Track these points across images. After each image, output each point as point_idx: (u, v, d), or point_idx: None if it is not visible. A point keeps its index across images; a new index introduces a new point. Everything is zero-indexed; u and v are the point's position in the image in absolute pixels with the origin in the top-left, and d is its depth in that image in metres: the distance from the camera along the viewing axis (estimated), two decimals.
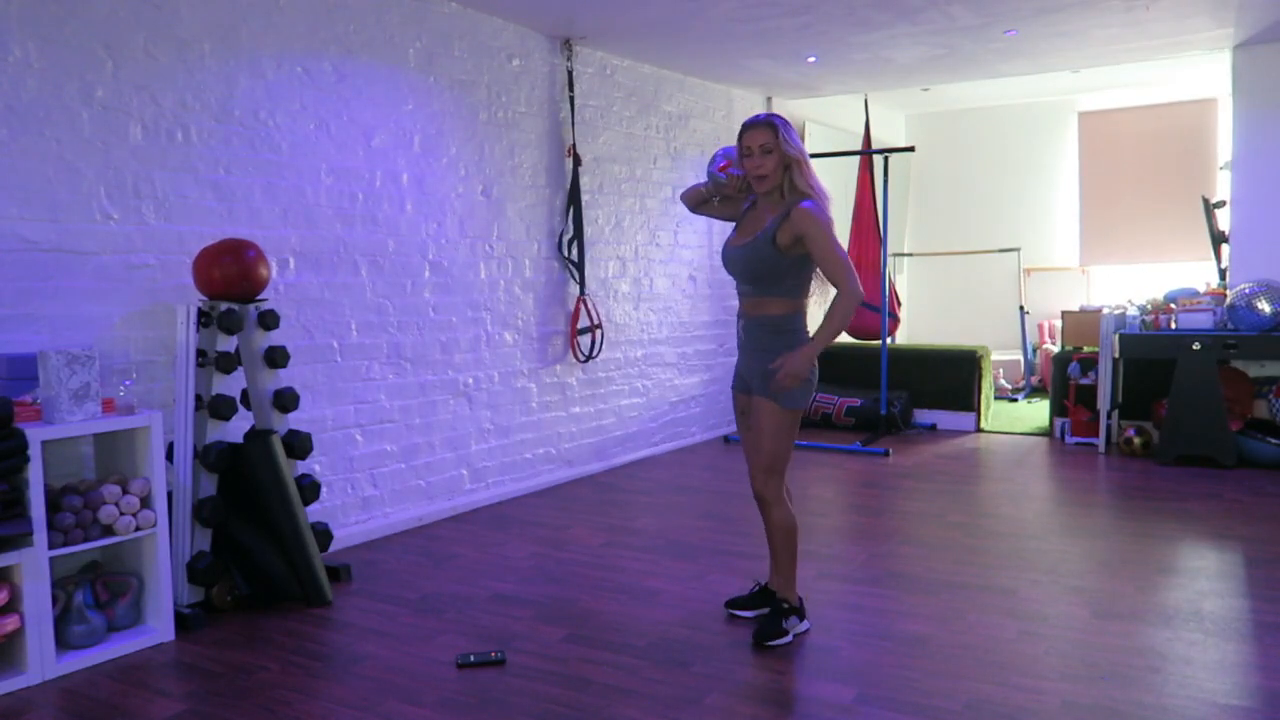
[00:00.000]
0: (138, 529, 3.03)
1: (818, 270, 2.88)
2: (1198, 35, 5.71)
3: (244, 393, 3.60)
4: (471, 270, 4.85)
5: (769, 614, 3.07)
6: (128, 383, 3.21)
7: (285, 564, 3.42)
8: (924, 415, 7.09)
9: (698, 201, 3.18)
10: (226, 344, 3.39)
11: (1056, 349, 7.28)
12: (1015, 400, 8.33)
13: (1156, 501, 4.80)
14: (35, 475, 2.74)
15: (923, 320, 9.78)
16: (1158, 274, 8.19)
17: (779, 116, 2.88)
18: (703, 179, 3.73)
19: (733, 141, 3.06)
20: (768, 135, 2.83)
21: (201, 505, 3.27)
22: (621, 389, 5.98)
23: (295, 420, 3.85)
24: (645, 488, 5.34)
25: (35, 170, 3.14)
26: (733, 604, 3.28)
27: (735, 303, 3.24)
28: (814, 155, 7.03)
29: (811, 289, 2.95)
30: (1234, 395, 5.71)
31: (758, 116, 2.89)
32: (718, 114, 6.85)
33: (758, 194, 2.95)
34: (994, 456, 6.04)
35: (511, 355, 5.12)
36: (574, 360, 5.53)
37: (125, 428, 3.02)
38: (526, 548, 4.14)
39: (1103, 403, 6.07)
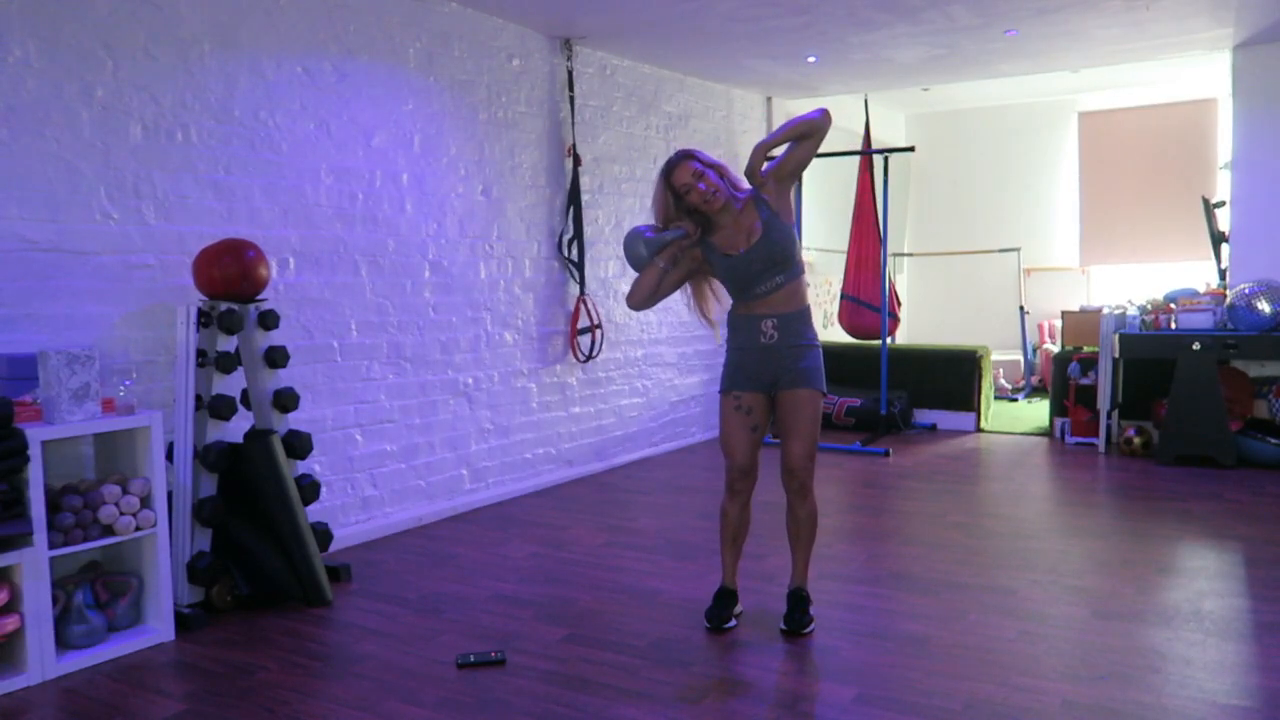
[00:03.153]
0: (138, 529, 3.03)
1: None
2: (1198, 35, 5.71)
3: (244, 393, 3.60)
4: (471, 270, 4.85)
5: (801, 606, 3.09)
6: (128, 383, 3.21)
7: (285, 564, 3.42)
8: (924, 415, 7.09)
9: (654, 287, 3.00)
10: (226, 344, 3.39)
11: (1056, 349, 7.27)
12: (1015, 400, 8.33)
13: (1156, 501, 4.80)
14: (35, 475, 2.74)
15: (923, 320, 9.78)
16: (1158, 274, 8.19)
17: (683, 149, 2.98)
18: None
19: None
20: (693, 164, 2.91)
21: (201, 505, 3.27)
22: (621, 389, 5.98)
23: (295, 420, 3.85)
24: (645, 488, 5.34)
25: (35, 170, 3.14)
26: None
27: (729, 303, 3.14)
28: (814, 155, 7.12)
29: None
30: (1234, 395, 5.71)
31: (669, 159, 2.95)
32: (717, 114, 6.84)
33: (713, 214, 2.94)
34: (994, 456, 6.03)
35: (511, 355, 5.12)
36: (574, 360, 5.53)
37: (125, 428, 3.02)
38: (526, 548, 4.14)
39: (1103, 403, 6.07)
